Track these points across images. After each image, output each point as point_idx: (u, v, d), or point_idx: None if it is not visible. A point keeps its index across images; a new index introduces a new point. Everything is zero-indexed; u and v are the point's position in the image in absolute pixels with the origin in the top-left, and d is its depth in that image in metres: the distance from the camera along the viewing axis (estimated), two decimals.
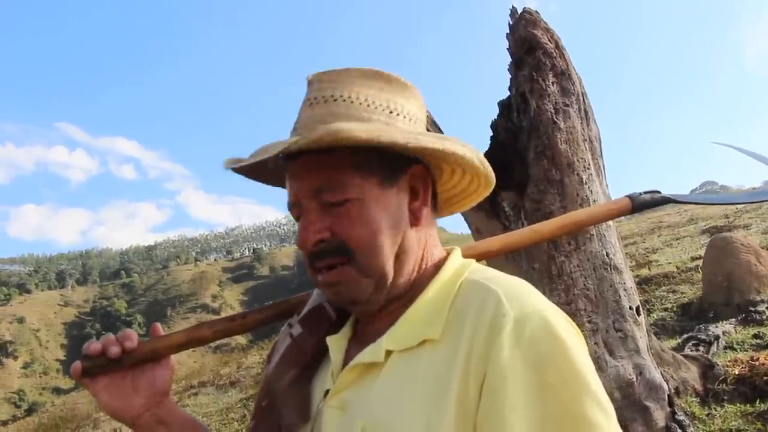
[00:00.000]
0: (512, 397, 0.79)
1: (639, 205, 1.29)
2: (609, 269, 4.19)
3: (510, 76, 4.49)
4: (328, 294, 1.00)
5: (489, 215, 4.40)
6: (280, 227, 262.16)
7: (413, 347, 0.91)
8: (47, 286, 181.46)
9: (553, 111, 4.15)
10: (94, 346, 1.06)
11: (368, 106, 0.98)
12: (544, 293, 3.57)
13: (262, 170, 1.02)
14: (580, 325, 4.10)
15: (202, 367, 14.94)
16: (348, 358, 0.99)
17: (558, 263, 4.15)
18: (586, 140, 4.24)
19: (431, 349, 0.89)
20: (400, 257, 0.98)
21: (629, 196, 1.28)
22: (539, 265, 4.20)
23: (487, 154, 4.52)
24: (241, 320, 1.16)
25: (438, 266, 1.02)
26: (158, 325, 1.16)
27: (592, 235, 4.18)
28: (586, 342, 3.34)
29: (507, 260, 4.41)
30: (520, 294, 0.89)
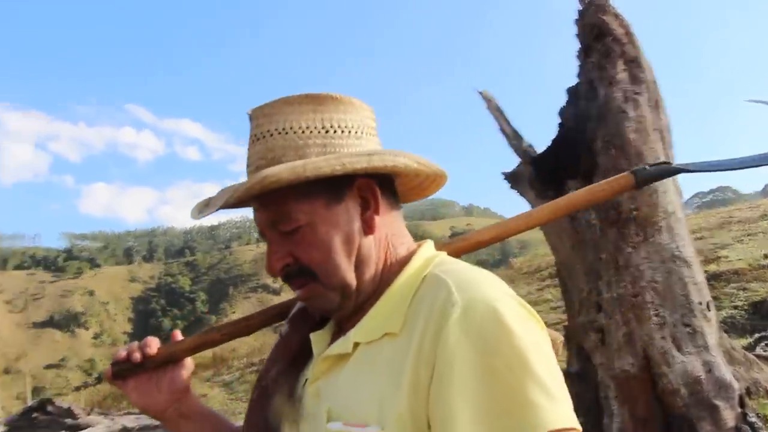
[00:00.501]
0: (459, 382, 0.83)
1: (643, 179, 1.20)
2: (678, 262, 4.08)
3: (578, 63, 4.40)
4: (307, 306, 1.11)
5: None
6: None
7: (376, 339, 0.98)
8: (115, 261, 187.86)
9: (622, 99, 4.04)
10: (120, 353, 1.22)
11: (302, 132, 1.03)
12: (609, 284, 3.48)
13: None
14: (647, 319, 4.01)
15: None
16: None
17: (625, 255, 4.06)
18: (656, 130, 4.12)
19: (391, 341, 0.95)
20: (359, 266, 1.05)
21: (633, 171, 1.19)
22: (606, 256, 4.12)
23: (555, 142, 4.48)
24: (245, 323, 1.26)
25: (404, 262, 1.07)
26: (177, 332, 1.28)
27: (661, 227, 4.07)
28: (654, 336, 3.23)
29: (573, 250, 4.35)
30: (472, 283, 0.93)
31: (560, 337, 1.04)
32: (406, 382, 0.88)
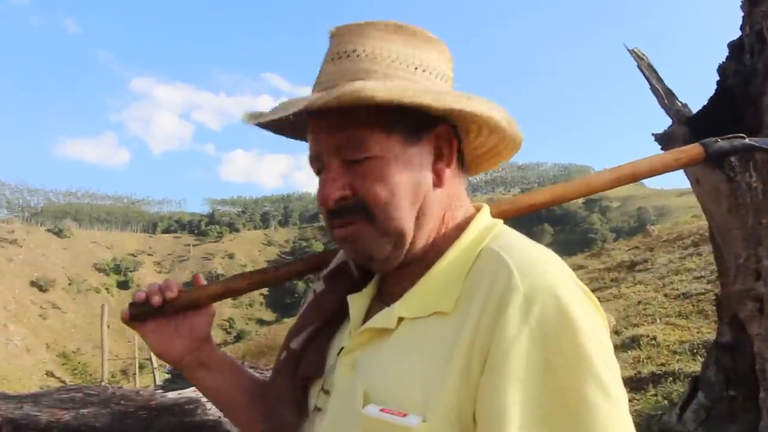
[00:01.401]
0: (514, 376, 0.77)
1: (714, 153, 1.13)
2: None
3: (743, 14, 4.09)
4: (346, 251, 1.00)
5: (712, 166, 4.10)
6: (473, 177, 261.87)
7: (424, 317, 0.89)
8: (253, 226, 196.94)
9: None
10: (139, 294, 1.14)
11: (392, 62, 0.93)
12: None
13: (284, 124, 0.97)
14: None
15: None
16: (368, 317, 0.98)
17: None
18: None
19: (441, 320, 0.87)
20: (420, 218, 0.95)
21: (703, 143, 1.13)
22: (767, 221, 3.87)
23: (712, 100, 4.23)
24: (273, 273, 1.19)
25: (460, 229, 0.97)
26: (200, 275, 1.22)
27: None
28: None
29: (729, 214, 4.12)
30: (535, 267, 0.84)
31: (612, 320, 0.97)
32: (456, 370, 0.81)
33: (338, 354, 0.98)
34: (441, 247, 0.96)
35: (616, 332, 9.22)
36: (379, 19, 0.97)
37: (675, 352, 7.61)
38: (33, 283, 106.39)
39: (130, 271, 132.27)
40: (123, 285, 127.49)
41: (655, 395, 6.39)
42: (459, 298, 0.87)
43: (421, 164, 0.95)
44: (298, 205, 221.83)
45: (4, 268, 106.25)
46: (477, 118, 0.94)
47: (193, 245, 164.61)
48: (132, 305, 1.15)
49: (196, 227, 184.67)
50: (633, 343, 8.37)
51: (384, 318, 0.92)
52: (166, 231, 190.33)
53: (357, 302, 1.02)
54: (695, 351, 7.41)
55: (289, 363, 1.05)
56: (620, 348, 8.32)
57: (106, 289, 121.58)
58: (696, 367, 6.61)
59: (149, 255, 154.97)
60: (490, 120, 0.95)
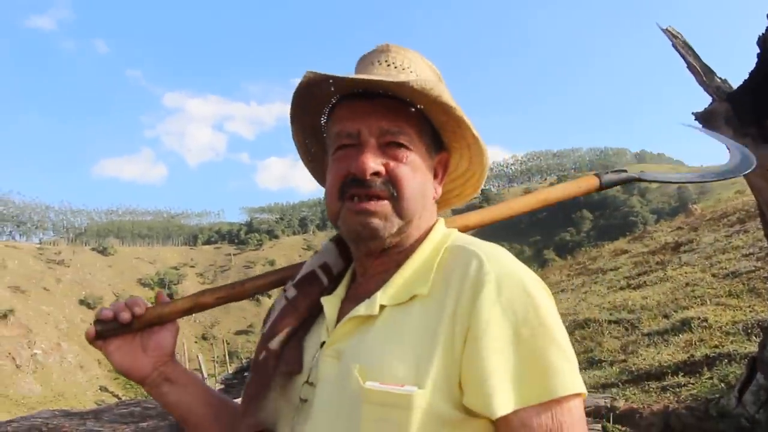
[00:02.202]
0: (492, 343, 0.93)
1: (606, 183, 1.37)
2: None
3: None
4: (354, 223, 1.08)
5: (756, 141, 4.01)
6: (507, 167, 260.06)
7: (404, 302, 1.02)
8: (292, 231, 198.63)
9: None
10: (105, 312, 1.18)
11: (431, 88, 1.06)
12: None
13: (311, 97, 1.15)
14: None
15: None
16: (342, 314, 1.09)
17: None
18: None
19: (420, 304, 1.00)
20: (421, 217, 1.12)
21: (597, 174, 1.37)
22: None
23: (753, 75, 4.12)
24: (240, 287, 1.25)
25: (426, 234, 1.13)
26: (162, 292, 1.29)
27: None
28: None
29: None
30: (499, 257, 1.01)
31: None
32: (441, 343, 0.95)
33: (320, 348, 1.07)
34: (413, 247, 1.12)
35: (665, 316, 9.06)
36: (415, 50, 1.19)
37: (728, 333, 7.41)
38: (82, 302, 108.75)
39: (174, 284, 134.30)
40: (168, 298, 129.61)
41: (711, 378, 6.23)
42: (433, 285, 1.02)
43: (431, 175, 1.16)
44: None
45: (53, 288, 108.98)
46: (477, 155, 1.21)
47: (234, 254, 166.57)
48: (97, 322, 1.18)
49: (236, 236, 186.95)
50: (683, 326, 8.19)
51: (367, 306, 1.03)
52: (207, 242, 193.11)
53: (330, 303, 1.13)
54: (749, 331, 7.21)
55: (269, 362, 1.11)
56: (671, 331, 8.16)
57: (152, 303, 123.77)
58: (751, 347, 6.45)
59: (191, 267, 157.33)
60: (481, 165, 1.23)
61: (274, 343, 1.12)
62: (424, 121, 1.12)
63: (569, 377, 0.93)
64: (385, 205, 1.07)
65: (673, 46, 4.53)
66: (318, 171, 1.32)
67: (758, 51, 4.01)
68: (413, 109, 1.10)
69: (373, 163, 1.05)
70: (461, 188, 1.31)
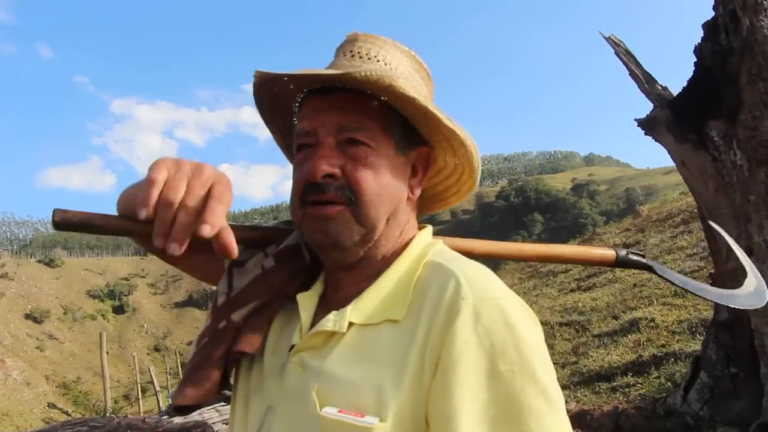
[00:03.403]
0: (464, 380, 0.81)
1: (621, 261, 1.31)
2: None
3: None
4: (312, 231, 0.98)
5: (696, 147, 4.13)
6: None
7: (374, 324, 0.92)
8: None
9: None
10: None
11: (405, 79, 1.00)
12: (760, 227, 3.36)
13: (272, 97, 1.07)
14: None
15: None
16: (317, 318, 0.98)
17: None
18: None
19: (392, 327, 0.90)
20: (390, 222, 0.99)
21: (616, 251, 1.31)
22: (755, 197, 3.89)
23: (691, 82, 4.25)
24: None
25: (406, 245, 1.02)
26: None
27: None
28: None
29: (717, 193, 4.14)
30: (480, 279, 0.90)
31: None
32: (408, 373, 0.85)
33: (289, 351, 0.98)
34: (389, 259, 1.01)
35: (614, 317, 9.25)
36: (390, 38, 1.07)
37: (674, 333, 7.63)
38: (28, 316, 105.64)
39: (125, 295, 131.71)
40: (118, 310, 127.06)
41: (658, 378, 6.40)
42: (408, 307, 0.91)
43: (403, 174, 1.02)
44: (287, 215, 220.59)
45: None
46: (457, 140, 1.03)
47: None
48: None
49: None
50: (632, 326, 8.39)
51: (335, 322, 0.93)
52: None
53: (306, 302, 1.02)
54: (694, 330, 7.43)
55: (227, 334, 1.01)
56: (620, 332, 8.35)
57: (102, 315, 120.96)
58: (696, 346, 6.63)
59: (142, 277, 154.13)
60: (468, 153, 1.05)
61: (237, 315, 1.02)
62: (392, 114, 0.99)
63: (549, 422, 0.80)
64: (341, 211, 0.95)
65: (616, 54, 4.64)
66: None
67: (695, 59, 4.13)
68: (375, 103, 0.98)
69: (326, 165, 0.94)
70: (457, 185, 1.17)
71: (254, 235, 1.13)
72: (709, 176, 4.15)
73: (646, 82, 4.56)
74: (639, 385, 6.29)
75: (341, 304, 0.96)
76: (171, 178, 0.83)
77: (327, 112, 0.98)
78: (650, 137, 4.56)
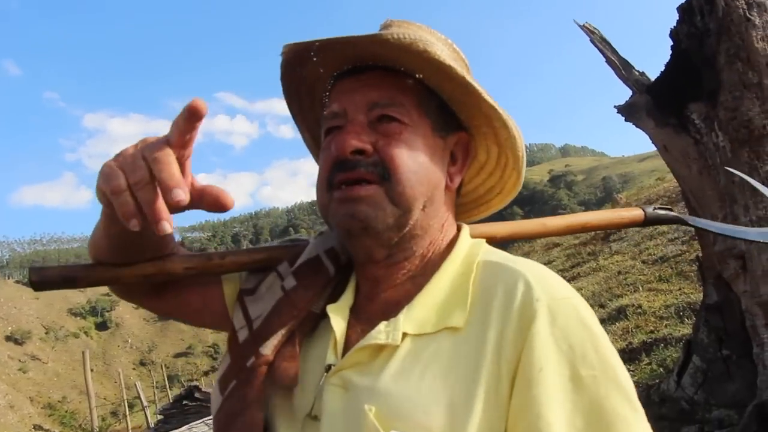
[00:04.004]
0: (548, 388, 0.75)
1: (650, 219, 1.26)
2: None
3: None
4: (340, 214, 0.89)
5: (677, 130, 4.11)
6: None
7: (431, 333, 0.83)
8: (225, 248, 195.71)
9: (745, 7, 3.74)
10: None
11: (413, 43, 0.90)
12: (746, 207, 3.34)
13: (300, 86, 1.00)
14: None
15: None
16: (352, 332, 0.90)
17: (762, 173, 3.82)
18: None
19: (453, 335, 0.82)
20: (427, 208, 0.91)
21: (643, 209, 1.26)
22: (739, 179, 3.88)
23: (669, 66, 4.23)
24: (218, 260, 1.03)
25: (450, 244, 0.95)
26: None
27: None
28: None
29: (701, 176, 4.13)
30: (548, 279, 0.83)
31: None
32: (482, 386, 0.77)
33: (326, 373, 0.87)
34: (434, 261, 0.92)
35: (601, 305, 9.27)
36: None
37: (662, 318, 7.65)
38: (8, 338, 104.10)
39: (107, 311, 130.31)
40: (101, 326, 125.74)
41: (650, 364, 6.41)
42: (470, 312, 0.82)
43: (441, 158, 0.94)
44: (266, 222, 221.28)
45: None
46: (501, 128, 0.96)
47: None
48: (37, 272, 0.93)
49: None
50: (619, 314, 8.42)
51: (387, 334, 0.83)
52: None
53: (338, 314, 0.91)
54: (681, 314, 7.46)
55: (259, 370, 0.90)
56: (608, 320, 8.36)
57: (85, 332, 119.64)
58: (685, 330, 6.65)
59: None
60: (512, 140, 0.98)
61: (267, 348, 0.91)
62: (428, 94, 0.93)
63: (636, 430, 0.75)
64: (374, 189, 0.86)
65: (592, 41, 4.62)
66: None
67: (671, 43, 4.12)
68: (410, 81, 0.91)
69: (355, 139, 0.87)
70: (501, 183, 1.08)
71: (257, 257, 1.05)
72: (692, 159, 4.13)
73: (623, 68, 4.54)
74: (631, 372, 6.28)
75: (381, 312, 0.88)
76: (106, 174, 0.73)
77: (358, 91, 0.91)
78: (630, 123, 4.54)
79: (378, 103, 0.89)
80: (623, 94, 4.60)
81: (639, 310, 8.18)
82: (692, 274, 8.76)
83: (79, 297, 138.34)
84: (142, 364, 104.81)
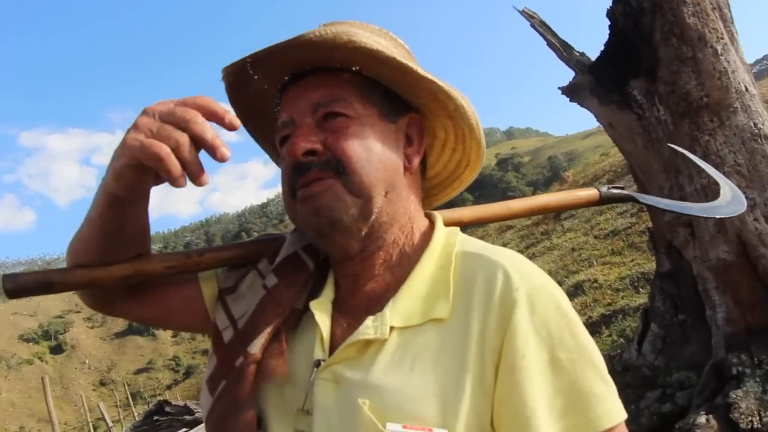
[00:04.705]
0: (531, 374, 0.79)
1: (605, 198, 1.35)
2: (759, 140, 3.97)
3: None
4: (306, 215, 0.90)
5: (620, 107, 4.24)
6: None
7: (417, 324, 0.86)
8: None
9: None
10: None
11: (339, 34, 0.90)
12: (690, 176, 3.50)
13: (249, 95, 1.00)
14: None
15: None
16: (336, 326, 0.92)
17: (702, 143, 3.97)
18: (715, 8, 3.96)
19: (438, 327, 0.85)
20: (389, 194, 0.92)
21: (598, 189, 1.35)
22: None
23: (608, 45, 4.35)
24: (197, 257, 1.02)
25: (425, 235, 0.97)
26: None
27: (736, 108, 3.95)
28: (746, 219, 3.23)
29: (646, 150, 4.27)
30: (525, 268, 0.87)
31: None
32: (469, 376, 0.80)
33: (315, 368, 0.88)
34: (411, 255, 0.94)
35: (558, 283, 9.47)
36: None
37: (618, 290, 7.87)
38: None
39: (61, 334, 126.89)
40: (56, 350, 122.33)
41: (610, 335, 6.59)
42: (453, 303, 0.85)
43: (395, 142, 0.95)
44: (218, 228, 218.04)
45: None
46: (449, 101, 0.96)
47: None
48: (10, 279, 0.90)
49: None
50: (577, 290, 8.62)
51: (375, 329, 0.86)
52: None
53: (321, 310, 0.93)
54: (636, 285, 7.69)
55: (249, 369, 0.91)
56: (567, 297, 8.55)
57: (39, 358, 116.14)
58: (641, 299, 6.86)
59: (77, 312, 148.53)
60: (459, 103, 0.97)
61: (255, 347, 0.91)
62: (369, 83, 0.94)
63: (612, 405, 0.80)
64: (330, 183, 0.88)
65: (532, 26, 4.72)
66: None
67: (609, 23, 4.24)
68: (346, 75, 0.93)
69: (304, 141, 0.88)
70: (465, 155, 1.09)
71: (235, 253, 1.06)
72: (636, 134, 4.27)
73: (563, 50, 4.65)
74: None
75: (364, 305, 0.91)
76: (143, 146, 0.75)
77: (300, 96, 0.93)
78: (575, 103, 4.66)
79: (320, 103, 0.91)
80: (564, 73, 4.70)
81: (595, 285, 8.40)
82: (643, 245, 9.03)
83: (29, 322, 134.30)
84: (102, 384, 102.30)
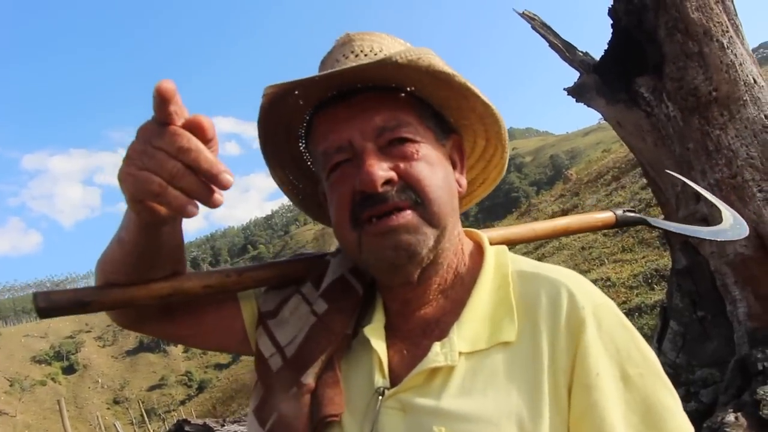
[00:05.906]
0: (606, 392, 0.79)
1: (621, 221, 1.39)
2: None
3: None
4: (381, 248, 0.86)
5: (628, 106, 4.20)
6: None
7: (484, 349, 0.84)
8: None
9: None
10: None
11: (420, 59, 0.88)
12: (704, 172, 3.44)
13: (279, 125, 0.95)
14: (750, 197, 3.88)
15: None
16: (392, 352, 0.90)
17: (714, 138, 3.93)
18: (718, 1, 3.92)
19: (505, 349, 0.84)
20: (453, 217, 0.91)
21: (614, 212, 1.39)
22: (693, 145, 3.99)
23: (612, 44, 4.32)
24: (236, 277, 0.99)
25: (474, 256, 0.96)
26: None
27: (745, 100, 3.91)
28: (762, 212, 3.18)
29: (657, 147, 4.23)
30: (585, 285, 0.87)
31: None
32: (544, 397, 0.79)
33: (380, 396, 0.85)
34: (465, 277, 0.93)
35: None
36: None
37: (631, 288, 7.82)
38: None
39: (73, 354, 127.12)
40: (69, 370, 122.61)
41: None
42: (519, 325, 0.85)
43: (449, 166, 0.94)
44: (223, 242, 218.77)
45: None
46: (493, 123, 0.97)
47: None
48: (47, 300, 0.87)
49: None
50: None
51: (445, 355, 0.84)
52: None
53: (376, 336, 0.90)
54: (650, 281, 7.63)
55: (304, 401, 0.88)
56: None
57: (52, 379, 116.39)
58: (656, 296, 6.81)
59: (88, 332, 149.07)
60: (500, 133, 0.99)
61: (309, 376, 0.89)
62: (421, 104, 0.91)
63: (682, 418, 0.80)
64: (410, 215, 0.84)
65: (533, 28, 4.69)
66: (312, 208, 1.10)
67: (611, 21, 4.21)
68: (403, 95, 0.89)
69: (381, 170, 0.84)
70: (484, 173, 1.08)
71: (275, 273, 1.02)
72: (646, 132, 4.23)
73: (566, 50, 4.62)
74: None
75: (420, 330, 0.90)
76: (136, 182, 0.70)
77: (356, 118, 0.87)
78: (574, 101, 4.62)
79: (385, 128, 0.87)
80: (564, 72, 4.70)
81: (608, 283, 8.34)
82: (654, 241, 8.98)
83: (41, 344, 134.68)
84: (116, 402, 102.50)
